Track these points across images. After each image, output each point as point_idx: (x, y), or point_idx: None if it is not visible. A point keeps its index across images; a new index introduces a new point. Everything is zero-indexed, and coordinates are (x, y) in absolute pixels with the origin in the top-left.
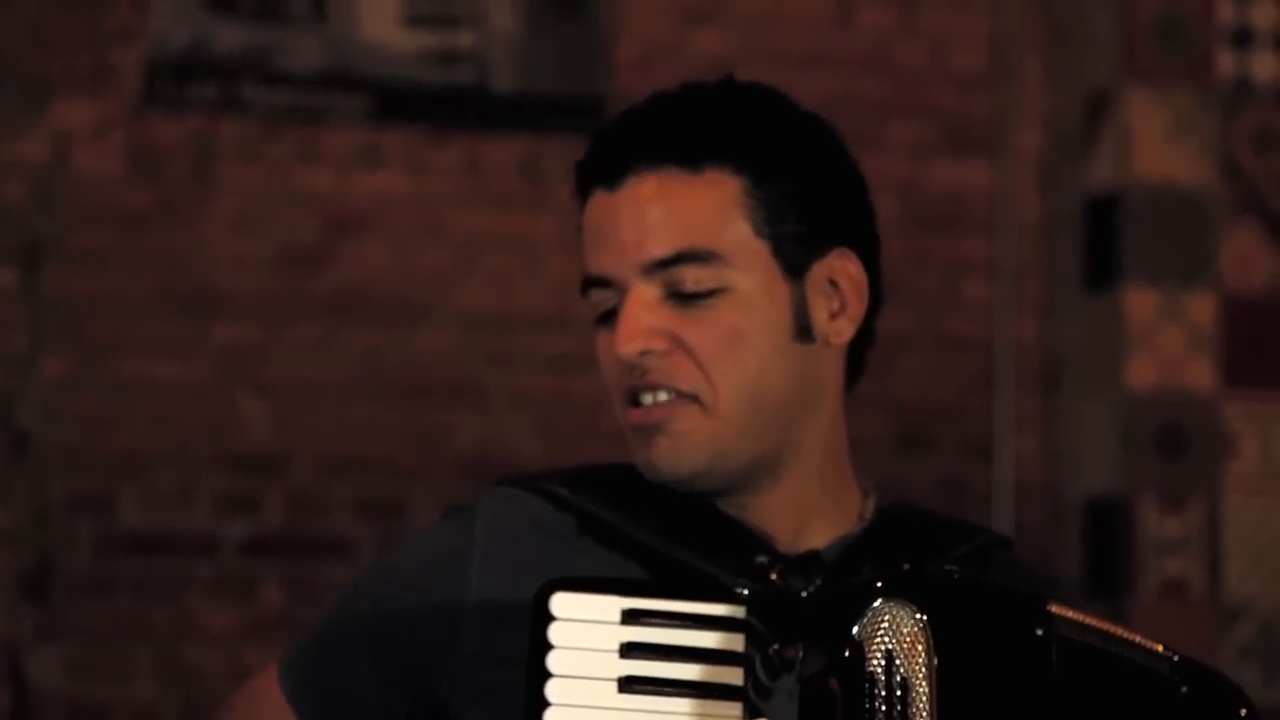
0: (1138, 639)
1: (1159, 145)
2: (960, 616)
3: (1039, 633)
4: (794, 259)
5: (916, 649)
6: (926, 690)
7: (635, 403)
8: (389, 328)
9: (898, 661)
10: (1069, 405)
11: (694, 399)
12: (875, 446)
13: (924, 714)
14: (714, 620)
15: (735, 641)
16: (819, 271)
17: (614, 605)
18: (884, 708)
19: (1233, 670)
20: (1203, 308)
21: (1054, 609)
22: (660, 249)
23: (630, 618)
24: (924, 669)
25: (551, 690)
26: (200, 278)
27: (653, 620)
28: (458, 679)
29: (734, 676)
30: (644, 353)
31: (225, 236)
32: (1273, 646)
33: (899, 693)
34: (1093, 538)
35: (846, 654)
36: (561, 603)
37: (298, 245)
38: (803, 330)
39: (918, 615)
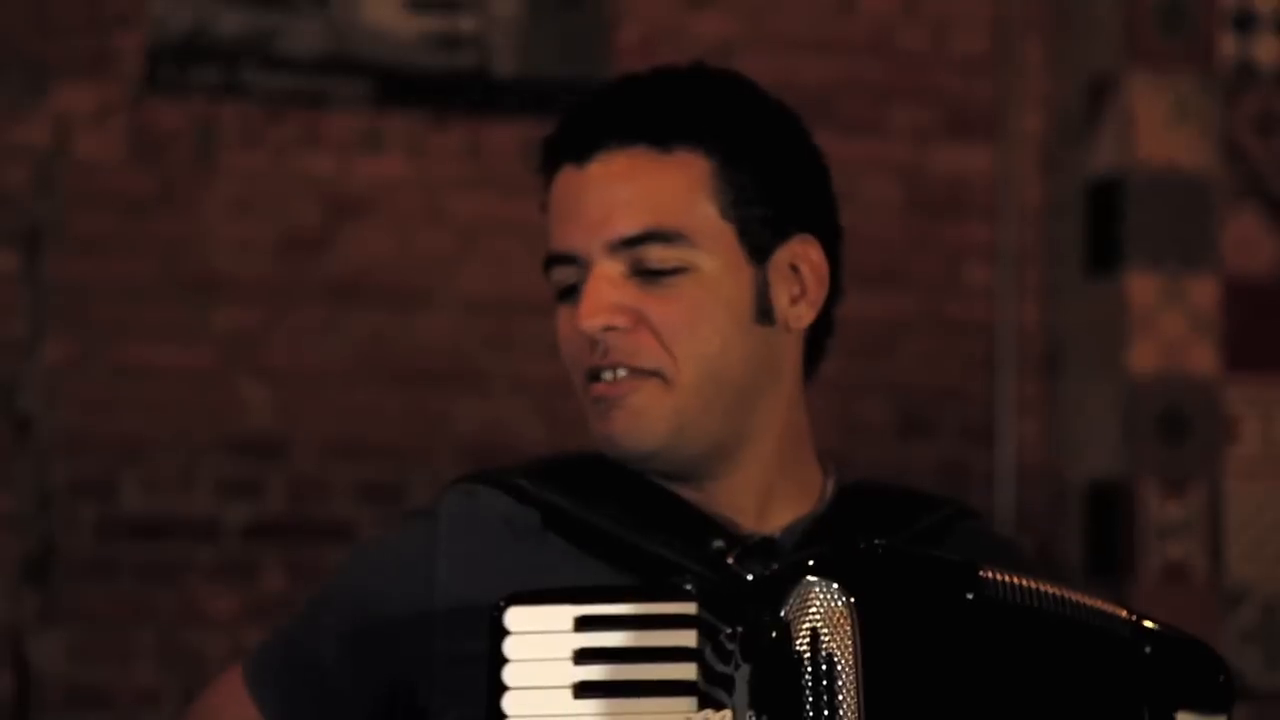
0: (1098, 603)
1: (1161, 129)
2: (887, 589)
3: (969, 597)
4: (758, 242)
5: (843, 626)
6: (852, 666)
7: (596, 380)
8: (390, 312)
9: (824, 640)
10: (1070, 389)
11: (656, 374)
12: (877, 430)
13: (850, 690)
14: (665, 619)
15: (688, 638)
16: (782, 256)
17: (567, 614)
18: (810, 686)
19: (1234, 654)
20: (1204, 292)
21: (986, 573)
22: (627, 227)
23: (583, 625)
24: (850, 645)
25: (508, 703)
26: (201, 262)
27: (605, 625)
28: (435, 680)
29: (689, 672)
30: (607, 328)
31: (226, 221)
32: (1274, 630)
33: (825, 670)
34: (1094, 521)
35: (774, 635)
36: (515, 617)
37: (299, 230)
38: (764, 313)
39: (842, 592)
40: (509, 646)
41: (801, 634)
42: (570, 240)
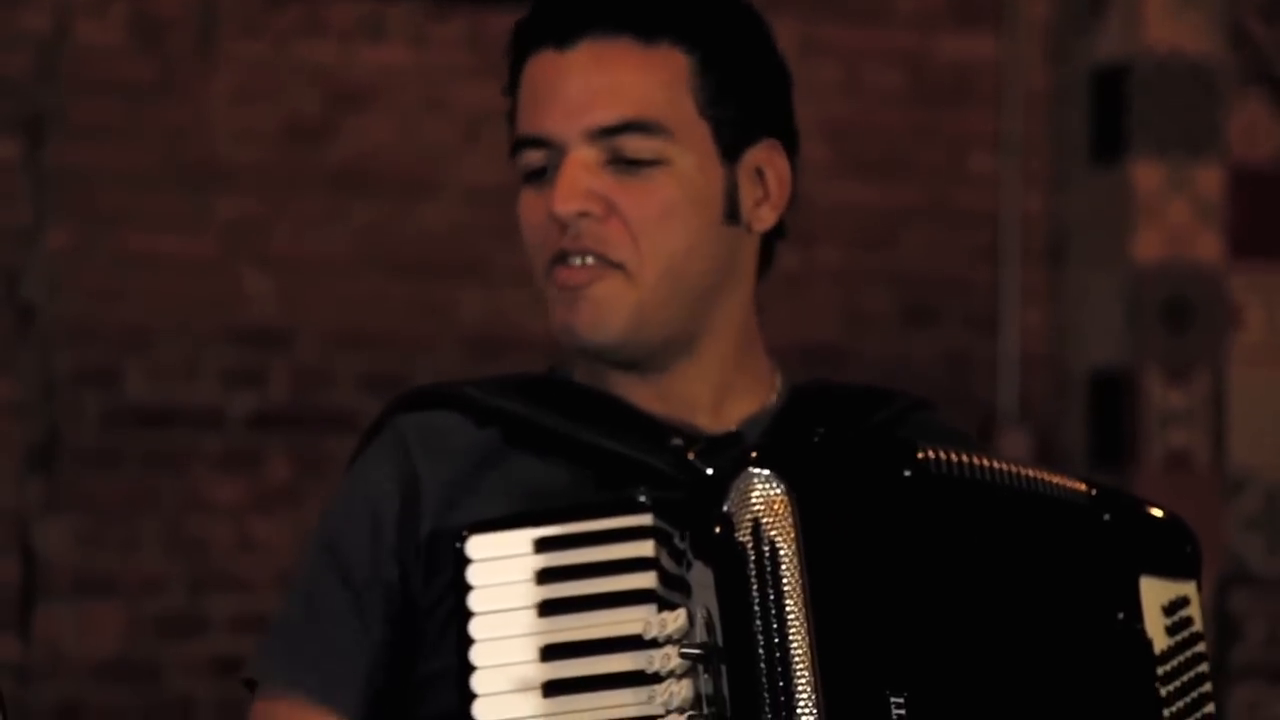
0: (1055, 477)
1: (1167, 15)
2: (826, 474)
3: (906, 474)
4: (730, 143)
5: (783, 514)
6: (795, 552)
7: (562, 263)
8: (393, 201)
9: (765, 529)
10: (1075, 278)
11: (620, 268)
12: (880, 320)
13: (794, 575)
14: (622, 532)
15: (645, 548)
16: (750, 159)
17: (526, 537)
18: (755, 575)
19: (1237, 541)
20: (1210, 179)
21: (924, 451)
22: (609, 115)
23: (543, 546)
24: (792, 531)
25: (475, 627)
26: (203, 151)
27: (564, 545)
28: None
29: (649, 580)
30: (581, 214)
31: (228, 109)
32: (1276, 517)
33: (768, 558)
34: (1098, 410)
35: (718, 530)
36: (476, 545)
37: (301, 118)
38: (731, 213)
39: (781, 480)
40: (472, 574)
41: (744, 525)
42: (546, 124)
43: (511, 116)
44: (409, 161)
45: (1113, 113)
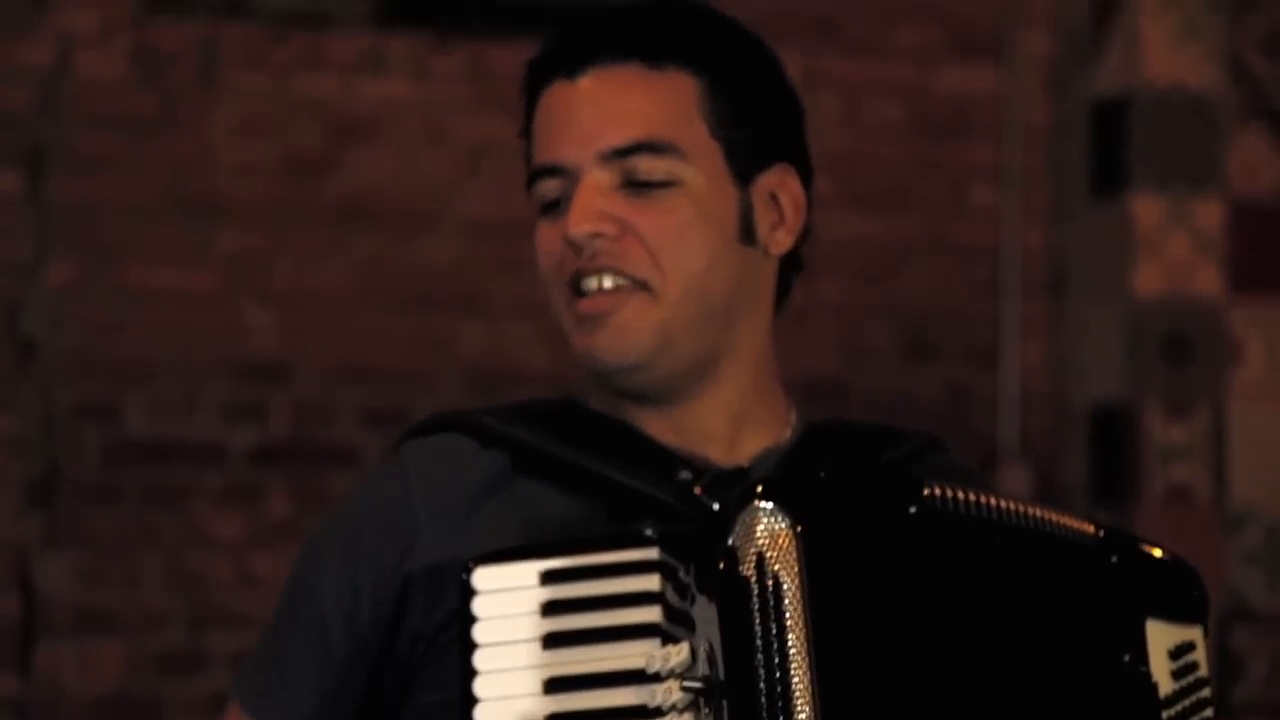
0: (1063, 517)
1: (1168, 49)
2: (831, 509)
3: (911, 511)
4: (743, 165)
5: (788, 548)
6: (799, 586)
7: (580, 291)
8: (394, 235)
9: (769, 563)
10: (1075, 312)
11: (643, 286)
12: (881, 354)
13: (797, 610)
14: (628, 566)
15: (651, 581)
16: (764, 182)
17: (532, 569)
18: (759, 609)
19: (1238, 576)
20: (1210, 213)
21: (930, 488)
22: (619, 137)
23: (549, 579)
24: (796, 566)
25: (479, 659)
26: (205, 184)
27: (570, 577)
28: (419, 638)
29: (654, 614)
30: (595, 235)
31: (230, 142)
32: (1277, 552)
33: (771, 592)
34: (1098, 445)
35: (722, 565)
36: (483, 577)
37: (302, 151)
38: (747, 234)
39: (785, 514)
40: (478, 606)
41: (748, 559)
42: (560, 151)
43: (528, 156)
44: (410, 195)
45: (1113, 146)
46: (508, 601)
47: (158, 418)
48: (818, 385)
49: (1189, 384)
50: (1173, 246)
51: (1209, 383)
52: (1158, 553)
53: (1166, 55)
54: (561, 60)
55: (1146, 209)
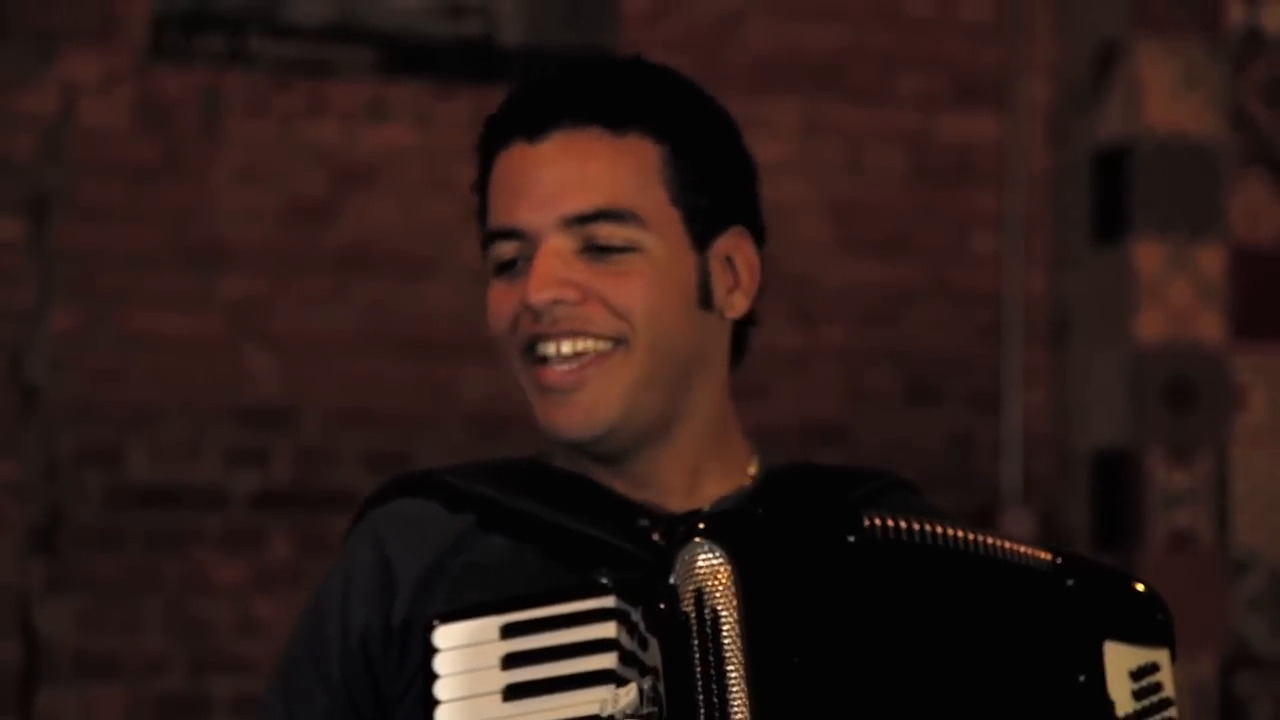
0: (1017, 545)
1: (1169, 97)
2: (769, 543)
3: (849, 540)
4: (701, 231)
5: (725, 583)
6: (737, 621)
7: (539, 358)
8: (396, 281)
9: (708, 599)
10: (1078, 358)
11: (617, 340)
12: (883, 399)
13: (736, 644)
14: (585, 615)
15: (608, 629)
16: (720, 247)
17: (493, 624)
18: (698, 645)
19: (1241, 622)
20: (1212, 260)
21: (869, 517)
22: (581, 204)
23: (509, 632)
24: (734, 600)
25: (441, 715)
26: (208, 230)
27: (530, 629)
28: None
29: (611, 661)
30: (556, 301)
31: (232, 190)
32: None
33: (710, 627)
34: (1101, 490)
35: (664, 605)
36: (444, 634)
37: (305, 198)
38: (705, 300)
39: (722, 550)
40: (439, 663)
41: (687, 595)
42: (520, 215)
43: (481, 212)
44: (412, 241)
45: (1114, 193)
46: (469, 657)
47: (160, 463)
48: (820, 429)
49: (1191, 430)
50: (1174, 293)
51: (1211, 428)
52: (1121, 579)
53: (1167, 103)
54: (523, 121)
55: (1148, 256)
